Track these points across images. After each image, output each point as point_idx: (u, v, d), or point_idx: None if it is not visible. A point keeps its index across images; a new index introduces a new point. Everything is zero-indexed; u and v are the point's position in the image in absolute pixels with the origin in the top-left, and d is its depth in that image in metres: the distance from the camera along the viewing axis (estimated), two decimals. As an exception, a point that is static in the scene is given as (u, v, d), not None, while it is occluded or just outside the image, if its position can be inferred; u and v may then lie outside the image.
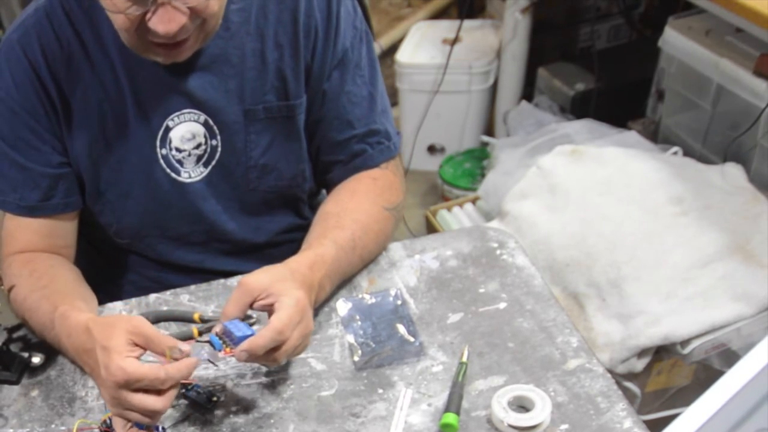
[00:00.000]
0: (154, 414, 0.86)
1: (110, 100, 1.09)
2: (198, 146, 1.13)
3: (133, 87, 1.08)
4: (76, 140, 1.10)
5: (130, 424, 0.89)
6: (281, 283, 0.94)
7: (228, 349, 0.90)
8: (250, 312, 0.96)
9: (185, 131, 1.11)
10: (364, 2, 2.85)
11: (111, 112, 1.09)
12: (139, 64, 1.06)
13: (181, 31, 0.95)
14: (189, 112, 1.11)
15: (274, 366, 0.97)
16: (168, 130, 1.11)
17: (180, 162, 1.13)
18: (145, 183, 1.14)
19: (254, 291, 0.94)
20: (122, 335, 0.87)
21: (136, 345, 0.87)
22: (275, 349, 0.90)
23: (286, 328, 0.90)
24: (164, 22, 0.93)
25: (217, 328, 0.92)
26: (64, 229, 1.16)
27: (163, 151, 1.12)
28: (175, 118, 1.11)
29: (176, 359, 0.87)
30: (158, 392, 0.86)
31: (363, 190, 1.17)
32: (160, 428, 0.93)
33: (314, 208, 1.23)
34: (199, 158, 1.14)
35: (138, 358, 0.87)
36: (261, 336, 0.89)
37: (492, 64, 2.63)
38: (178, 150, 1.12)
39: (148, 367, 0.85)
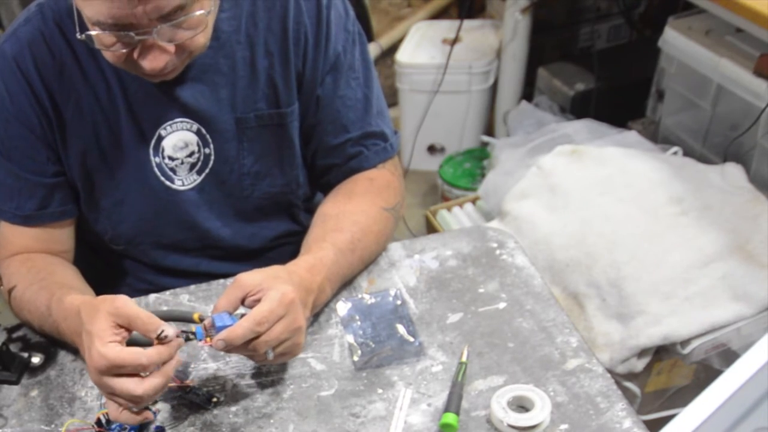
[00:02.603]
0: (136, 399, 0.86)
1: (103, 110, 1.09)
2: (191, 154, 1.13)
3: (126, 97, 1.08)
4: (71, 149, 1.11)
5: (123, 407, 0.89)
6: (273, 280, 0.94)
7: (208, 339, 0.90)
8: (243, 311, 0.95)
9: (177, 140, 1.12)
10: (363, 2, 2.86)
11: (104, 121, 1.09)
12: (131, 75, 1.06)
13: (167, 66, 0.96)
14: (181, 121, 1.11)
15: (263, 362, 0.97)
16: (161, 138, 1.11)
17: (173, 170, 1.13)
18: (139, 191, 1.14)
19: (246, 287, 0.94)
20: (104, 318, 0.86)
21: (121, 326, 0.87)
22: (255, 339, 0.90)
23: (265, 319, 0.89)
24: (150, 61, 0.95)
25: (206, 322, 0.92)
26: (62, 236, 1.16)
27: (157, 160, 1.12)
28: (168, 127, 1.11)
29: (163, 341, 0.87)
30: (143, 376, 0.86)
31: (361, 191, 1.17)
32: (156, 423, 0.93)
33: (310, 211, 1.23)
34: (192, 166, 1.14)
35: (123, 340, 0.87)
36: (239, 326, 0.89)
37: (492, 64, 2.63)
38: (171, 158, 1.12)
39: (129, 353, 0.84)
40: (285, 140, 1.17)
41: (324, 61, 1.13)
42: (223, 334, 0.89)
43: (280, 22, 1.10)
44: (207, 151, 1.13)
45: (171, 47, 0.95)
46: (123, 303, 0.88)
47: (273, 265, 1.01)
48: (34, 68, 1.06)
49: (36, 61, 1.06)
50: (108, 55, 0.97)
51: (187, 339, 0.91)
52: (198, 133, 1.12)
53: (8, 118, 1.07)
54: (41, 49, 1.05)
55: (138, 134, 1.11)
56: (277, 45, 1.11)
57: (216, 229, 1.20)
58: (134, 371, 0.85)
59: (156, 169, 1.13)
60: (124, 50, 0.94)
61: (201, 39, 0.98)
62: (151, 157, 1.12)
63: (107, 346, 0.85)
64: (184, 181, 1.15)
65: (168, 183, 1.14)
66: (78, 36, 0.95)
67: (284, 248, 1.27)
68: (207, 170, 1.15)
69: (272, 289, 0.92)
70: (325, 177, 1.23)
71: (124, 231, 1.18)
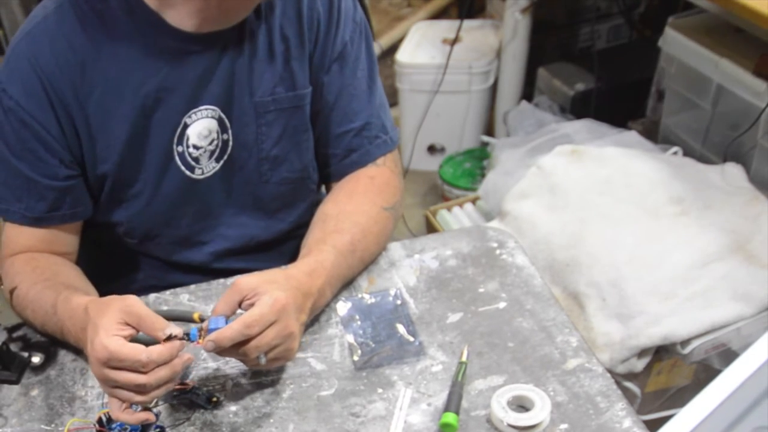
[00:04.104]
0: (140, 389, 0.86)
1: (127, 102, 1.08)
2: (211, 142, 1.13)
3: (150, 86, 1.07)
4: (97, 145, 1.09)
5: (125, 405, 0.89)
6: (269, 284, 0.95)
7: (201, 340, 0.91)
8: (240, 311, 0.96)
9: (202, 128, 1.11)
10: (364, 2, 2.86)
11: (128, 113, 1.08)
12: (155, 63, 1.06)
13: None
14: (206, 109, 1.10)
15: (256, 366, 0.97)
16: (186, 127, 1.11)
17: (196, 159, 1.13)
18: (159, 181, 1.13)
19: (243, 290, 0.94)
20: (114, 314, 0.87)
21: (128, 324, 0.88)
22: (246, 344, 0.90)
23: (255, 323, 0.90)
24: None
25: (204, 324, 0.92)
26: (68, 238, 1.16)
27: (180, 149, 1.12)
28: (193, 115, 1.10)
29: (170, 340, 0.87)
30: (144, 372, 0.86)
31: (361, 191, 1.17)
32: (156, 423, 0.93)
33: (316, 205, 1.23)
34: (211, 154, 1.14)
35: (128, 337, 0.87)
36: (228, 328, 0.89)
37: (492, 64, 2.63)
38: (196, 147, 1.12)
39: (130, 348, 0.85)
40: (302, 123, 1.17)
41: (332, 48, 1.14)
42: (212, 336, 0.89)
43: (294, 8, 1.11)
44: (225, 137, 1.13)
45: None
46: (134, 302, 0.89)
47: (285, 258, 1.01)
48: (54, 65, 1.04)
49: (57, 58, 1.04)
50: None
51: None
52: (218, 119, 1.12)
53: (24, 118, 1.05)
54: (61, 45, 1.04)
55: (162, 124, 1.10)
56: (293, 29, 1.12)
57: (232, 217, 1.20)
58: (132, 367, 0.85)
59: (178, 159, 1.12)
60: None
61: None
62: (174, 147, 1.12)
63: (110, 338, 0.85)
64: (204, 170, 1.15)
65: (188, 173, 1.14)
66: None
67: (296, 241, 1.27)
68: (225, 157, 1.15)
69: (266, 293, 0.93)
70: (325, 168, 1.24)
71: (140, 223, 1.17)
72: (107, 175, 1.12)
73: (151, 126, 1.10)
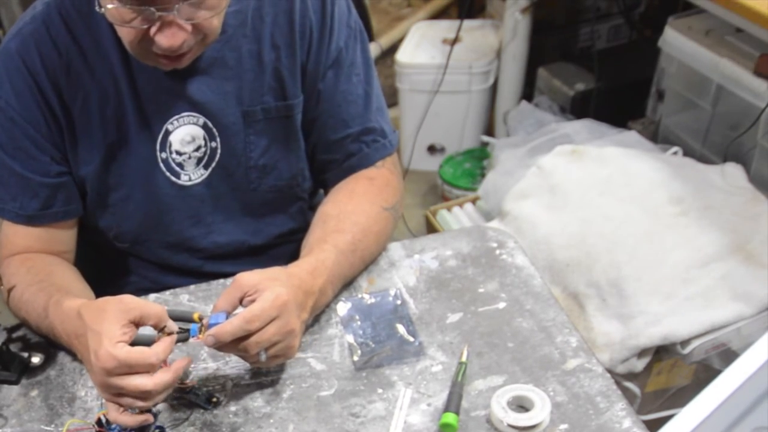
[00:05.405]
0: (146, 395, 0.86)
1: (111, 106, 1.09)
2: (198, 149, 1.13)
3: (133, 92, 1.08)
4: (79, 146, 1.11)
5: (123, 408, 0.89)
6: (271, 281, 0.95)
7: (201, 335, 0.91)
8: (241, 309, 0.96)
9: (185, 134, 1.12)
10: (363, 2, 2.86)
11: (112, 117, 1.09)
12: (139, 69, 1.07)
13: (183, 46, 0.97)
14: (188, 116, 1.11)
15: (256, 363, 0.97)
16: (168, 133, 1.11)
17: (180, 165, 1.14)
18: (145, 187, 1.14)
19: (244, 287, 0.94)
20: (114, 317, 0.87)
21: (131, 323, 0.88)
22: (246, 339, 0.90)
23: (256, 318, 0.90)
24: (168, 38, 0.95)
25: (205, 321, 0.93)
26: (64, 236, 1.16)
27: (163, 155, 1.12)
28: (175, 122, 1.11)
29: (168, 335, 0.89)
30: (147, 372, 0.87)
31: (361, 191, 1.18)
32: (156, 423, 0.93)
33: (313, 208, 1.23)
34: (199, 161, 1.14)
35: (129, 340, 0.87)
36: (229, 323, 0.90)
37: (492, 64, 2.63)
38: (179, 153, 1.13)
39: (139, 353, 0.85)
40: (292, 133, 1.17)
41: (326, 55, 1.14)
42: (212, 330, 0.89)
43: (286, 16, 1.11)
44: (213, 144, 1.14)
45: (188, 26, 0.96)
46: (131, 299, 0.89)
47: (277, 263, 1.02)
48: (41, 65, 1.05)
49: (43, 59, 1.05)
50: (124, 32, 0.97)
51: (184, 340, 0.91)
52: (204, 126, 1.12)
53: (13, 117, 1.07)
54: (48, 46, 1.05)
55: (145, 130, 1.11)
56: (284, 38, 1.11)
57: (221, 224, 1.20)
58: (144, 370, 0.85)
59: (162, 165, 1.13)
60: (144, 26, 0.95)
61: (216, 22, 0.99)
62: (158, 153, 1.12)
63: (116, 347, 0.85)
64: (192, 176, 1.15)
65: (174, 179, 1.14)
66: (97, 9, 0.96)
67: (288, 246, 1.27)
68: (213, 164, 1.15)
69: (267, 290, 0.93)
70: (324, 173, 1.24)
71: (130, 228, 1.18)
72: (90, 177, 1.12)
73: (133, 131, 1.10)
